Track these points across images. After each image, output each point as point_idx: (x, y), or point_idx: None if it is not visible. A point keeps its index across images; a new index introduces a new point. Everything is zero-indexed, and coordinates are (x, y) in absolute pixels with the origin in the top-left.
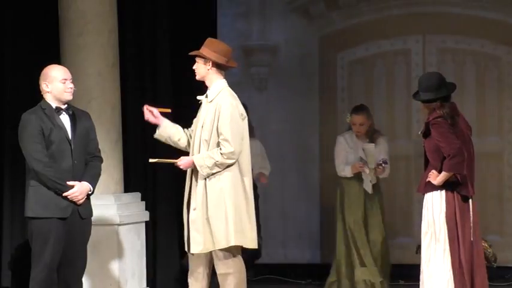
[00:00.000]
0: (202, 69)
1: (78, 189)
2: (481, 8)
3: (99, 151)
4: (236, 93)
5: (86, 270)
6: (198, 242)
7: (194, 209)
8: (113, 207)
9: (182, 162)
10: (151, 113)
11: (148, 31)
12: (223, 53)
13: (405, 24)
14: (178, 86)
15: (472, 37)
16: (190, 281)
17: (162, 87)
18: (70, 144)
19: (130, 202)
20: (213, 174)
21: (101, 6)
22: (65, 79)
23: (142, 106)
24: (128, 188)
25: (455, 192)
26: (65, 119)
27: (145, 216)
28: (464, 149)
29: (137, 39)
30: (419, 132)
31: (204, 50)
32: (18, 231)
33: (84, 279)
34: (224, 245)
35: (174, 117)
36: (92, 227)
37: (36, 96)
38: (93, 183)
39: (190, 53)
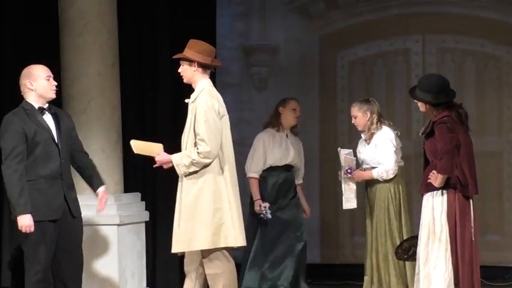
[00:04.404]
0: (188, 72)
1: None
2: (481, 8)
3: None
4: (236, 93)
5: (85, 270)
6: (176, 242)
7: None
8: (113, 207)
9: (160, 157)
10: None
11: (147, 31)
12: (207, 53)
13: (405, 24)
14: (177, 86)
15: (472, 37)
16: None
17: (161, 88)
18: (57, 145)
19: (130, 202)
20: (191, 175)
21: (101, 6)
22: (49, 76)
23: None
24: (128, 188)
25: (456, 192)
26: (48, 119)
27: (145, 216)
28: (465, 150)
29: (136, 39)
30: (420, 133)
31: (188, 52)
32: (18, 231)
33: (83, 280)
34: (200, 247)
35: (173, 118)
36: (92, 227)
37: None
38: (103, 179)
39: (175, 56)
